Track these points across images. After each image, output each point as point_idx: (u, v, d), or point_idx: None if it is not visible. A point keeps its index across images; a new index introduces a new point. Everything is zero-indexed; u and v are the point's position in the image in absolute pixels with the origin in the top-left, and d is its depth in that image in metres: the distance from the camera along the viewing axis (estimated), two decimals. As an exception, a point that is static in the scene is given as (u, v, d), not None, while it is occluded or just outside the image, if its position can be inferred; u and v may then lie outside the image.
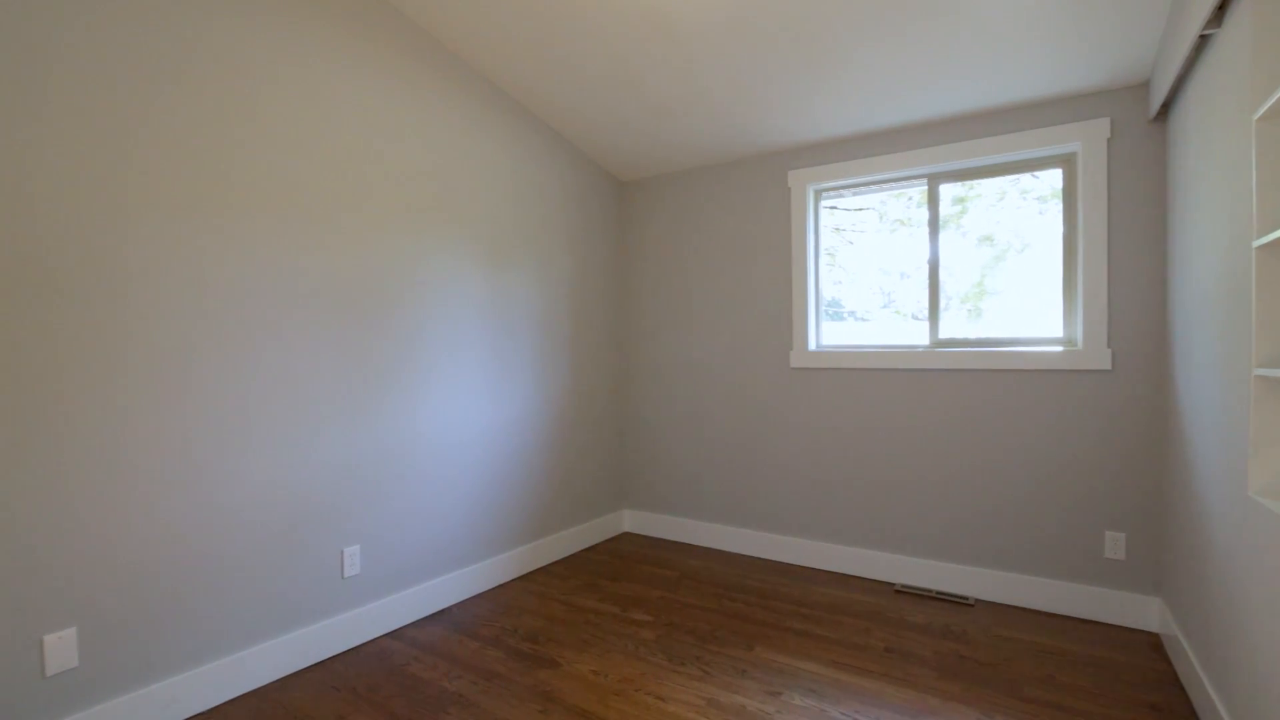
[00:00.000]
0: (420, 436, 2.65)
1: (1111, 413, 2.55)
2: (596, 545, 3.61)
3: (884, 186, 3.12)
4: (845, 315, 3.31)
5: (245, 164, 2.09)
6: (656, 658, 2.30)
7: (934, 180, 2.97)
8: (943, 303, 2.97)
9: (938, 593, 2.85)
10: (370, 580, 2.46)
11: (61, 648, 1.71)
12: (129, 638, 1.84)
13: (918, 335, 3.05)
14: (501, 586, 2.99)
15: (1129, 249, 2.52)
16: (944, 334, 2.97)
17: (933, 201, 2.97)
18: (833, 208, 3.32)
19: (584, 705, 2.00)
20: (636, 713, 1.95)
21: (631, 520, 3.88)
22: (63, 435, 1.71)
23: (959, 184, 2.93)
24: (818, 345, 3.34)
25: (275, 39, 2.15)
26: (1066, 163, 2.69)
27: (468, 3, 2.40)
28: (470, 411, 2.87)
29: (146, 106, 1.87)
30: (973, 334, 2.91)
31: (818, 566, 3.22)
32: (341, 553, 2.36)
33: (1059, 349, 2.65)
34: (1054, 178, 2.73)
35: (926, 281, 2.99)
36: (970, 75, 2.49)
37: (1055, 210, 2.73)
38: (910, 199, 3.09)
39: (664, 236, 3.75)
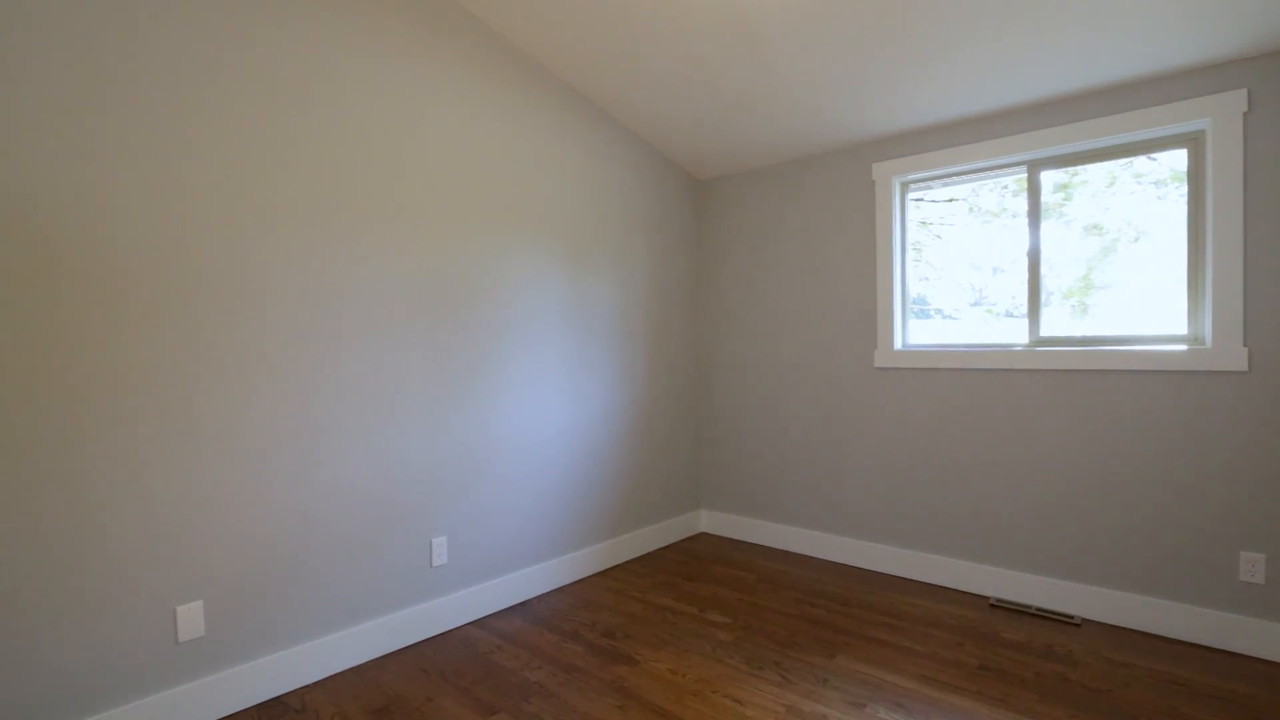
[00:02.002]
0: (504, 433, 2.74)
1: (1247, 418, 2.29)
2: (673, 544, 3.61)
3: (976, 176, 2.94)
4: (932, 313, 3.14)
5: (359, 179, 2.24)
6: (734, 660, 2.27)
7: (1034, 167, 2.77)
8: (1043, 298, 2.76)
9: (1038, 609, 2.66)
10: (456, 570, 2.57)
11: (191, 617, 1.89)
12: (247, 612, 2.01)
13: (1012, 334, 2.85)
14: (580, 582, 3.05)
15: (1268, 236, 2.25)
16: (1045, 332, 2.76)
17: (1033, 190, 2.77)
18: (919, 200, 3.16)
19: (661, 704, 2.00)
20: (714, 715, 1.94)
21: (709, 520, 3.86)
22: (197, 426, 1.89)
23: (1061, 170, 2.72)
24: (904, 344, 3.19)
25: (386, 72, 2.29)
26: (1192, 142, 2.44)
27: (553, 16, 2.46)
28: (550, 410, 2.95)
29: (283, 127, 2.04)
30: (1078, 332, 2.69)
31: (903, 575, 3.08)
32: (430, 543, 2.48)
33: (1183, 348, 2.40)
34: (1176, 159, 2.48)
35: (1023, 276, 2.80)
36: (1080, 50, 2.30)
37: (1177, 195, 2.48)
38: (1005, 188, 2.89)
39: (742, 234, 3.70)
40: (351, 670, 2.22)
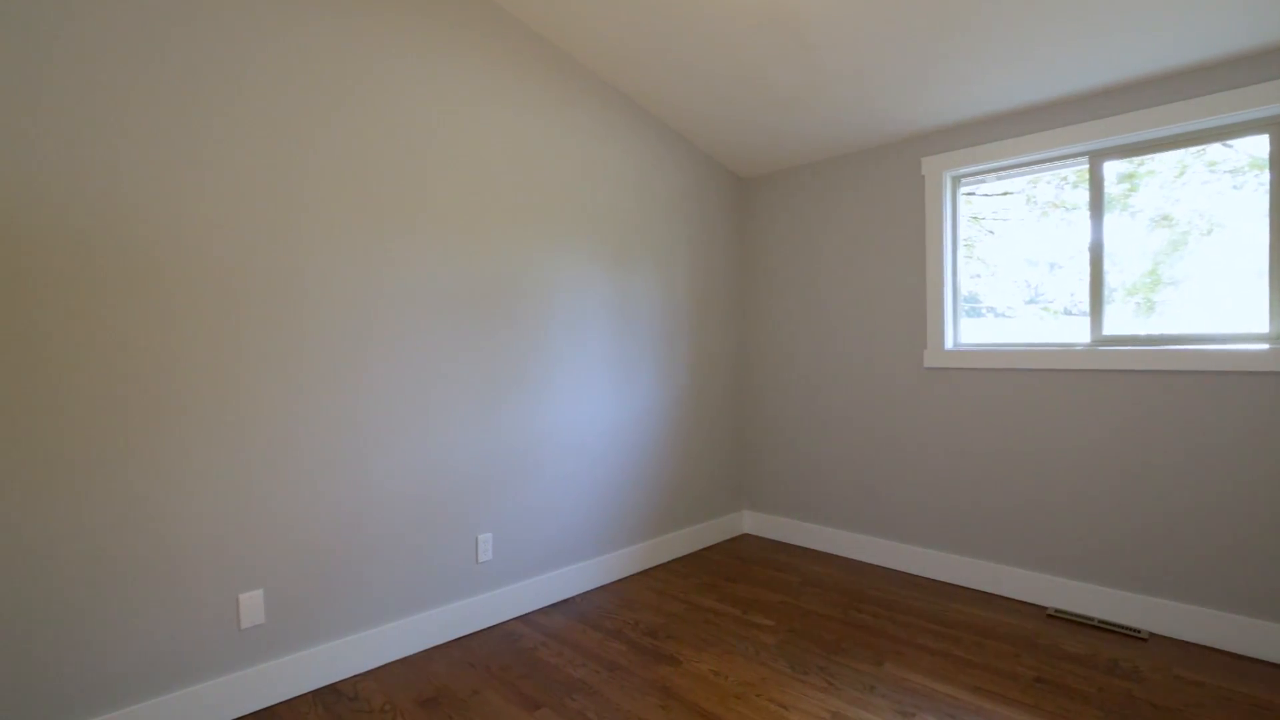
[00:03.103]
0: (548, 432, 2.77)
1: (1336, 423, 2.13)
2: (716, 545, 3.59)
3: (1032, 169, 2.82)
4: (984, 312, 3.03)
5: (405, 181, 2.30)
6: (778, 664, 2.24)
7: (1096, 157, 2.64)
8: (1106, 295, 2.63)
9: (1100, 621, 2.54)
10: (501, 566, 2.62)
11: (252, 606, 1.98)
12: (304, 602, 2.09)
13: (1071, 332, 2.73)
14: (622, 580, 3.06)
15: (1361, 226, 2.09)
16: (1108, 330, 2.63)
17: (1095, 181, 2.64)
18: (970, 194, 3.05)
19: (704, 705, 1.99)
20: (757, 718, 1.92)
21: (752, 521, 3.82)
22: (249, 425, 1.98)
23: (1126, 160, 2.58)
24: (955, 344, 3.09)
25: (427, 74, 2.35)
26: (1275, 126, 2.28)
27: (597, 19, 2.48)
28: (594, 410, 2.97)
29: (328, 131, 2.12)
30: (1144, 330, 2.55)
31: (954, 582, 2.98)
32: (476, 539, 2.53)
33: (1264, 347, 2.25)
34: (1256, 145, 2.33)
35: (1084, 272, 2.67)
36: (1149, 31, 2.18)
37: (1256, 183, 2.33)
38: (1065, 180, 2.77)
39: (787, 232, 3.65)
40: (401, 661, 2.29)
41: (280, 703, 2.02)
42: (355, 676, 2.19)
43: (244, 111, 1.96)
